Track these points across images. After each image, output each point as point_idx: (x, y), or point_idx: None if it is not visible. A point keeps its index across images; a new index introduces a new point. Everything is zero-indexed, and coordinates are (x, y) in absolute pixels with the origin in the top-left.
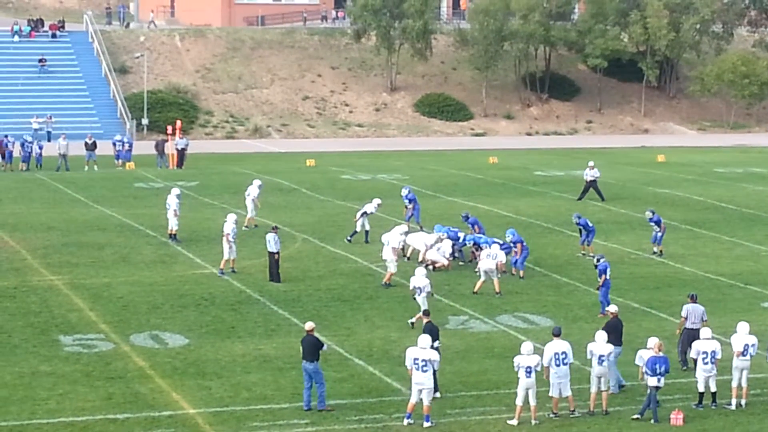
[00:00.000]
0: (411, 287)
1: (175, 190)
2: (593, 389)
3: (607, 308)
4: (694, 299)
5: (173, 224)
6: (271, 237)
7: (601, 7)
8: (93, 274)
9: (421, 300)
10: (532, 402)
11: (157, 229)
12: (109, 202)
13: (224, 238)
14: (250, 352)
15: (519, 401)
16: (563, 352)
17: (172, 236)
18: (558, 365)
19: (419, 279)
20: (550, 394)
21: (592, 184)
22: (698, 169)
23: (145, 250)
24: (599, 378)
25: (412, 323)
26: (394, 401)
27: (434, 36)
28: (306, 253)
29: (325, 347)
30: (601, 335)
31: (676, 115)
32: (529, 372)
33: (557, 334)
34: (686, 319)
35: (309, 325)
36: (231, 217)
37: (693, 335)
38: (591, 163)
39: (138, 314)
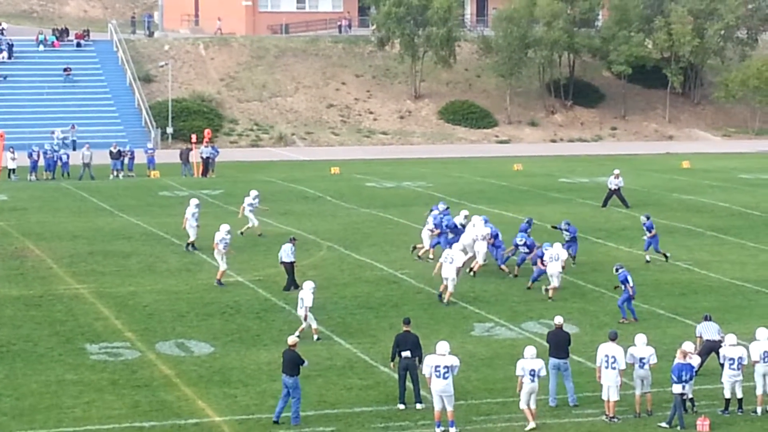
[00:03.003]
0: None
1: (194, 201)
2: (637, 392)
3: (554, 321)
4: (708, 318)
5: (192, 234)
6: (288, 247)
7: (625, 13)
8: (119, 282)
9: (302, 312)
10: (532, 405)
11: (182, 238)
12: (134, 211)
13: (215, 249)
14: (276, 360)
15: (523, 405)
16: (613, 356)
17: (190, 245)
18: (607, 368)
19: (306, 293)
20: (602, 397)
21: (616, 192)
22: (723, 175)
23: (171, 259)
24: (642, 380)
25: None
26: (420, 409)
27: (458, 43)
28: (331, 261)
29: (305, 364)
30: (641, 338)
31: (700, 121)
32: (533, 376)
33: (613, 338)
34: (701, 338)
35: (291, 339)
36: (223, 228)
37: (712, 347)
38: (616, 171)
39: (163, 322)
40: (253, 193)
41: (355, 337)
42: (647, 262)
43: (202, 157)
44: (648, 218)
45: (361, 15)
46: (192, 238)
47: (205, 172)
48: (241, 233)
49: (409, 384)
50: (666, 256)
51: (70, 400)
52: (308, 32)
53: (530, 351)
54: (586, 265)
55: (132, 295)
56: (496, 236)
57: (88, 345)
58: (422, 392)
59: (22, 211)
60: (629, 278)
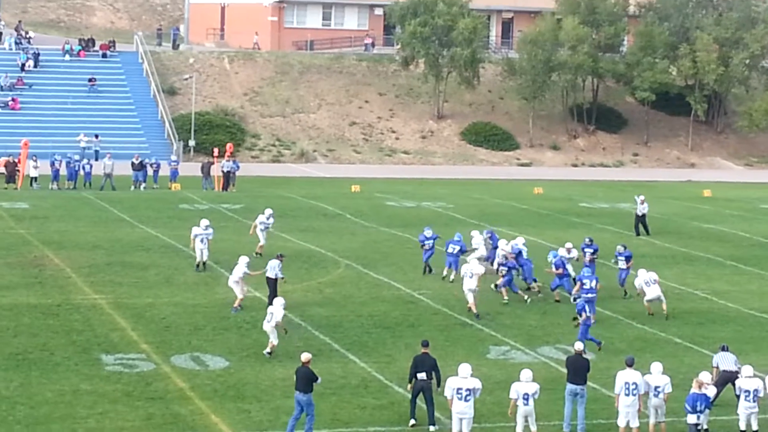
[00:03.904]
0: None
1: (204, 222)
2: (651, 421)
3: (575, 347)
4: (725, 349)
5: (204, 256)
6: (275, 263)
7: (650, 40)
8: (136, 294)
9: (270, 328)
10: (533, 428)
11: None
12: (154, 223)
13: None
14: (291, 376)
15: (519, 429)
16: (634, 382)
17: (201, 264)
18: (627, 395)
19: (276, 308)
20: (618, 423)
21: (642, 218)
22: (745, 204)
23: (189, 272)
24: (656, 409)
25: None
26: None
27: (482, 65)
28: (349, 279)
29: (318, 381)
30: (657, 367)
31: (723, 150)
32: (527, 399)
33: (630, 363)
34: (717, 368)
35: (305, 356)
36: (243, 260)
37: (728, 377)
38: (641, 197)
39: (180, 335)
40: (268, 211)
41: (371, 356)
42: (625, 297)
43: (223, 171)
44: (625, 248)
45: (386, 34)
46: (204, 259)
47: (225, 186)
48: (257, 254)
49: (422, 405)
50: (625, 293)
51: (84, 411)
52: (333, 49)
53: (526, 374)
54: (603, 291)
55: (149, 307)
56: (519, 254)
57: (103, 355)
58: (436, 414)
59: (42, 219)
60: (587, 307)
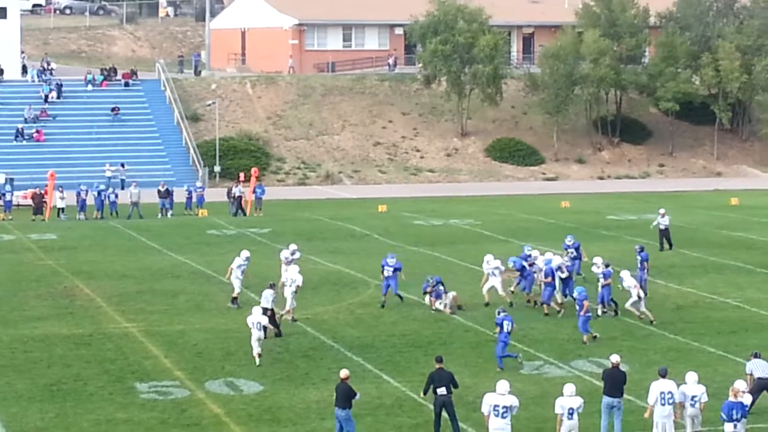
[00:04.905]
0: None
1: (245, 253)
2: (688, 430)
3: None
4: (757, 356)
5: (237, 287)
6: (268, 294)
7: (672, 50)
8: (167, 321)
9: (258, 336)
10: None
11: None
12: (183, 250)
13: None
14: (325, 398)
15: None
16: (669, 392)
17: (235, 300)
18: (663, 404)
19: (258, 315)
20: None
21: (665, 231)
22: None
23: (219, 297)
24: (692, 419)
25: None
26: None
27: (504, 81)
28: (379, 299)
29: (357, 396)
30: (692, 376)
31: (749, 157)
32: (572, 414)
33: (663, 374)
34: (752, 375)
35: (344, 373)
36: (293, 269)
37: (764, 385)
38: (662, 211)
39: (212, 361)
40: (292, 247)
41: (404, 375)
42: (601, 315)
43: (235, 196)
44: (607, 265)
45: (407, 53)
46: (237, 291)
47: (236, 213)
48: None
49: (446, 416)
50: (616, 312)
51: None
52: (354, 70)
53: (569, 389)
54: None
55: (181, 334)
56: (523, 268)
57: (137, 384)
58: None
59: (71, 249)
60: (505, 323)
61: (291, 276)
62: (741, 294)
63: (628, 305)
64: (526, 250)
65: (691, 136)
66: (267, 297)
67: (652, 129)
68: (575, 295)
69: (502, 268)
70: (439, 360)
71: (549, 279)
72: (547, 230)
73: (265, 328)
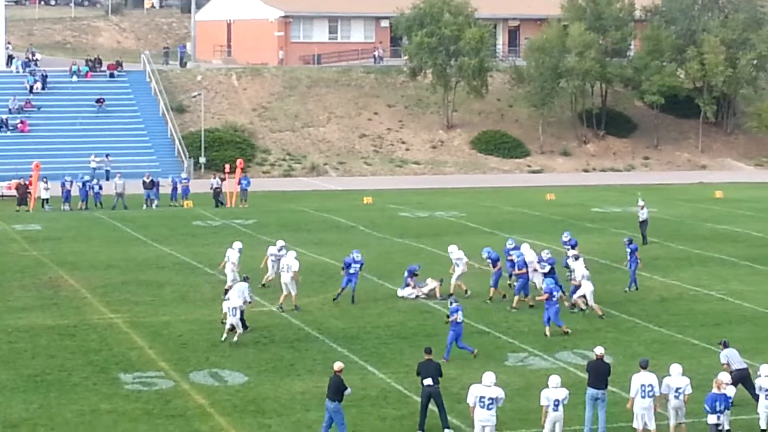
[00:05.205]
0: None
1: (238, 244)
2: (671, 422)
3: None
4: (726, 345)
5: (230, 278)
6: (244, 287)
7: (657, 43)
8: (152, 312)
9: (235, 321)
10: None
11: (215, 267)
12: (168, 241)
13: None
14: (310, 389)
15: None
16: (650, 384)
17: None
18: (644, 397)
19: (236, 300)
20: (633, 426)
21: (643, 224)
22: (757, 204)
23: (204, 288)
24: (676, 410)
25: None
26: None
27: (490, 73)
28: (364, 291)
29: (348, 391)
30: (676, 368)
31: (733, 150)
32: (557, 405)
33: (644, 365)
34: (728, 365)
35: (338, 365)
36: (290, 254)
37: (742, 376)
38: (641, 203)
39: (197, 352)
40: (280, 243)
41: (389, 366)
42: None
43: (211, 188)
44: (577, 258)
45: (393, 45)
46: (229, 283)
47: (217, 204)
48: (263, 285)
49: (435, 409)
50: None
51: (104, 430)
52: (340, 62)
53: (554, 380)
54: (619, 295)
55: (166, 325)
56: (497, 260)
57: (122, 374)
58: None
59: (56, 240)
60: (461, 312)
61: (288, 262)
62: (725, 286)
63: (575, 297)
64: (508, 244)
65: (676, 129)
66: (242, 290)
67: (637, 122)
68: (550, 286)
69: (465, 258)
70: (428, 351)
71: (524, 270)
72: (532, 222)
73: (242, 312)
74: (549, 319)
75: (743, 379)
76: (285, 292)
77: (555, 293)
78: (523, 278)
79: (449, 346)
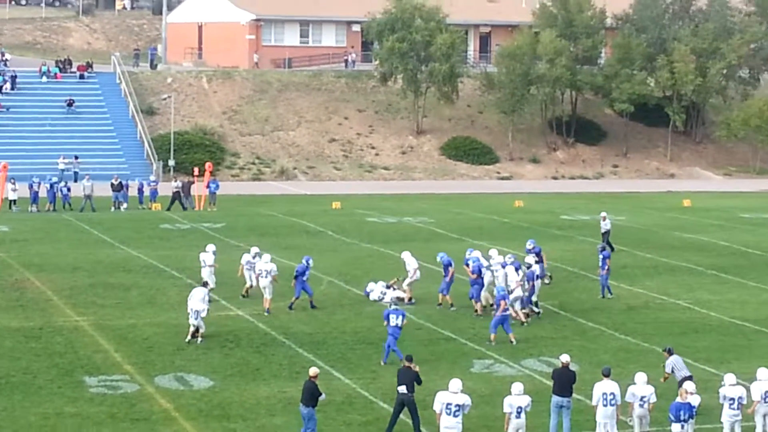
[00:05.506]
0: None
1: (211, 247)
2: (636, 431)
3: (561, 359)
4: (671, 352)
5: (211, 282)
6: (200, 292)
7: (628, 51)
8: (118, 315)
9: (197, 323)
10: None
11: (182, 271)
12: (135, 243)
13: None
14: (275, 394)
15: None
16: (611, 393)
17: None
18: (605, 405)
19: (195, 302)
20: None
21: (606, 235)
22: (724, 214)
23: (171, 292)
24: (641, 419)
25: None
26: None
27: (461, 79)
28: (331, 296)
29: (323, 397)
30: (641, 377)
31: (702, 159)
32: (519, 412)
33: (606, 374)
34: (672, 373)
35: (313, 371)
36: (265, 257)
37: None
38: (603, 214)
39: (163, 356)
40: (254, 250)
41: (355, 372)
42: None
43: (173, 191)
44: (529, 266)
45: (364, 50)
46: (211, 285)
47: (169, 207)
48: (243, 296)
49: (407, 420)
50: (537, 313)
51: None
52: (311, 66)
53: (517, 387)
54: (586, 302)
55: (132, 328)
56: (449, 265)
57: (87, 378)
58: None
59: (22, 242)
60: (392, 317)
61: (264, 267)
62: (691, 295)
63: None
64: (467, 253)
65: (645, 137)
66: (198, 296)
67: (607, 130)
68: (494, 293)
69: (416, 265)
70: (408, 359)
71: (476, 276)
72: (500, 229)
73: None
74: (496, 325)
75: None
76: (269, 296)
77: (507, 300)
78: (479, 284)
79: (387, 350)
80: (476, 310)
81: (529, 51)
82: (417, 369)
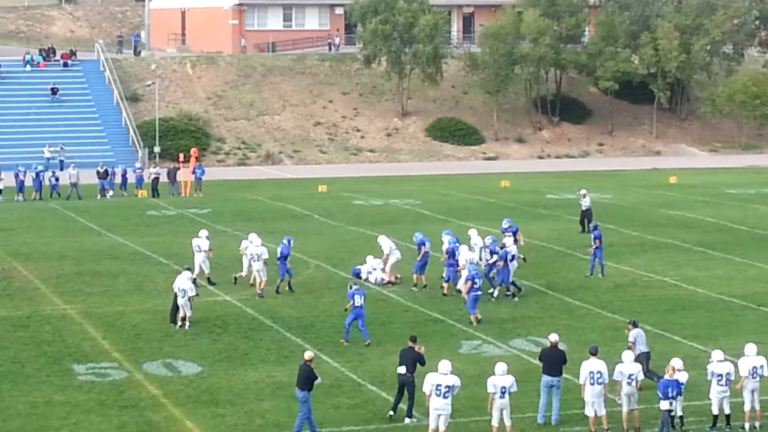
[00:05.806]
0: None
1: (204, 232)
2: (624, 409)
3: (550, 339)
4: (636, 325)
5: (206, 267)
6: (184, 276)
7: (612, 29)
8: (106, 302)
9: (184, 302)
10: (507, 422)
11: (169, 257)
12: (122, 230)
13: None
14: (264, 379)
15: (495, 422)
16: (599, 371)
17: (209, 280)
18: (593, 384)
19: (182, 281)
20: (585, 413)
21: (586, 213)
22: (710, 190)
23: (158, 278)
24: (629, 397)
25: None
26: (408, 427)
27: (445, 60)
28: (319, 280)
29: (318, 380)
30: (628, 355)
31: (687, 136)
32: (504, 392)
33: (594, 352)
34: (634, 344)
35: (308, 354)
36: (256, 240)
37: (642, 359)
38: (583, 192)
39: (151, 342)
40: (252, 236)
41: (343, 355)
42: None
43: (152, 177)
44: (503, 246)
45: (348, 33)
46: (207, 271)
47: (153, 194)
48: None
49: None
50: (515, 294)
51: (57, 422)
52: (295, 50)
53: (501, 367)
54: (573, 281)
55: (119, 315)
56: (422, 244)
57: (75, 365)
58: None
59: (9, 231)
60: (356, 297)
61: (255, 251)
62: (678, 272)
63: (460, 285)
64: (444, 234)
65: (631, 115)
66: (184, 276)
67: (592, 108)
68: (472, 272)
69: (391, 245)
70: (412, 339)
71: (448, 257)
72: (486, 209)
73: (189, 297)
74: (472, 305)
75: (643, 362)
76: (263, 279)
77: (477, 280)
78: (453, 266)
79: (348, 327)
80: (444, 292)
81: (512, 30)
82: (422, 350)
